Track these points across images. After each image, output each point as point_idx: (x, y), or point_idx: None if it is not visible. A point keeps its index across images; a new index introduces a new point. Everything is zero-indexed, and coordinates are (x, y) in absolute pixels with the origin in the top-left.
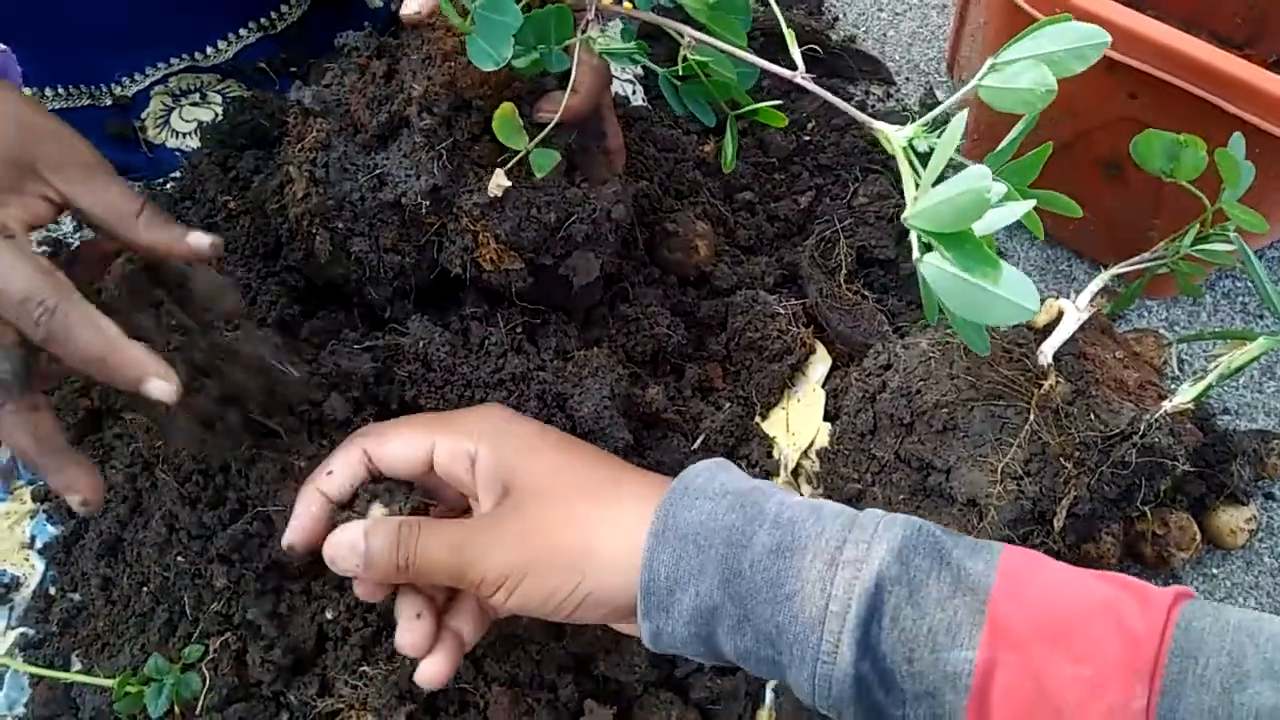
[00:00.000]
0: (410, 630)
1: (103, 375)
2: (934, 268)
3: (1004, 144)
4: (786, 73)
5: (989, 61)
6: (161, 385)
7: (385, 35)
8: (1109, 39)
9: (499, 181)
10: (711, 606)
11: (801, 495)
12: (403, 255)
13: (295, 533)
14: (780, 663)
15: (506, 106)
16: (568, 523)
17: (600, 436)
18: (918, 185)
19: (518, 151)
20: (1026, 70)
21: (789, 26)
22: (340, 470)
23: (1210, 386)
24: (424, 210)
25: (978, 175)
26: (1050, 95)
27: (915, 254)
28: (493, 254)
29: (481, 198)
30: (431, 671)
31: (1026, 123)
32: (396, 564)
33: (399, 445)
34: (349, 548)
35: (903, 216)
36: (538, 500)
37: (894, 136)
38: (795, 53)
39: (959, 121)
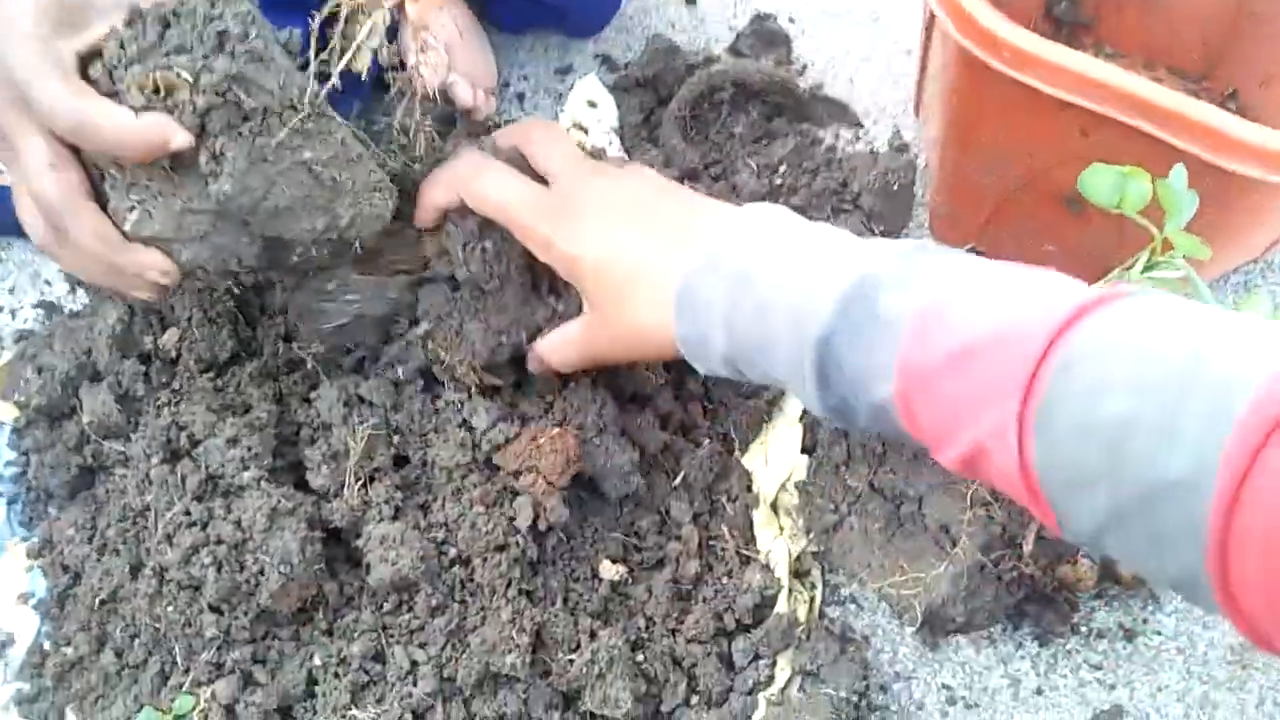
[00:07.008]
0: None
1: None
2: None
3: None
4: None
5: None
6: (183, 136)
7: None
8: None
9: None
10: (731, 356)
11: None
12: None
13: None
14: (791, 390)
15: None
16: (618, 309)
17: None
18: None
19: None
20: None
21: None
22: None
23: None
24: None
25: None
26: None
27: None
28: (476, 379)
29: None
30: None
31: None
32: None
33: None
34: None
35: None
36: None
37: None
38: None
39: None
